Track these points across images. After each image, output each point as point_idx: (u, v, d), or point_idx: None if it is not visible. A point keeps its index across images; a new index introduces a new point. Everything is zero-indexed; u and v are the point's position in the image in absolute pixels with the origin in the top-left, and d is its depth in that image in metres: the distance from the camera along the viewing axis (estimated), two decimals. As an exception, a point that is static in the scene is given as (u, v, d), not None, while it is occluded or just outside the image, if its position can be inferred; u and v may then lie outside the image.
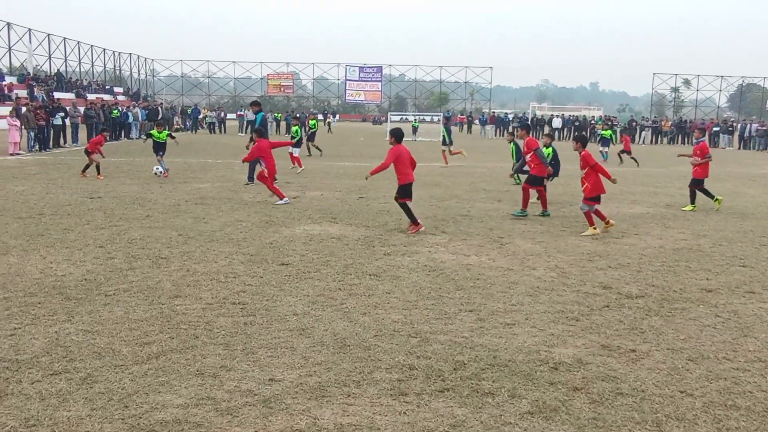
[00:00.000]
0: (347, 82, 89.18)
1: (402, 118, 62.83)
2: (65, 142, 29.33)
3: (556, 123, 48.59)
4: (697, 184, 13.99)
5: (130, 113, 38.16)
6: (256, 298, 6.86)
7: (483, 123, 54.93)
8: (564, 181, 16.74)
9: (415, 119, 50.86)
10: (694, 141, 15.87)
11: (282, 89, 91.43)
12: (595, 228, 10.86)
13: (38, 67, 61.34)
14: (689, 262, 8.97)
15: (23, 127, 24.87)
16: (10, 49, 58.28)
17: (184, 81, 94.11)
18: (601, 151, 27.43)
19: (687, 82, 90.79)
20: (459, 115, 71.18)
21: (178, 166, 20.98)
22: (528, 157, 12.86)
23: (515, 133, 21.47)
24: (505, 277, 7.96)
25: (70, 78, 61.77)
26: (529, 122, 24.20)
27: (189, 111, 51.55)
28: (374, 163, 14.97)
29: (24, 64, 60.05)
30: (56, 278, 7.44)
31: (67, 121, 29.76)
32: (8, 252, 8.66)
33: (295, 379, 4.86)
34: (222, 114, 50.74)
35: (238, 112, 53.47)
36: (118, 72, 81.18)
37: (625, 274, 8.22)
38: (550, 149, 14.34)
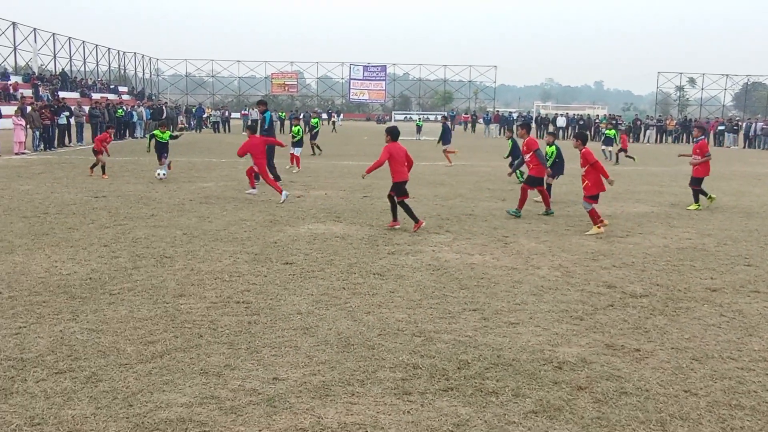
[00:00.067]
0: (351, 81, 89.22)
1: (406, 117, 62.81)
2: (70, 142, 29.39)
3: (561, 122, 48.48)
4: (697, 183, 13.98)
5: (134, 112, 38.22)
6: (260, 297, 6.87)
7: (487, 122, 54.85)
8: (568, 180, 16.71)
9: (419, 118, 50.85)
10: (693, 140, 15.87)
11: (286, 88, 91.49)
12: (599, 227, 10.84)
13: (43, 67, 61.56)
14: (694, 262, 8.95)
15: (28, 126, 24.94)
16: (15, 48, 58.45)
17: (189, 80, 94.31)
18: (603, 150, 27.42)
19: (692, 81, 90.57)
20: (463, 114, 71.15)
21: (183, 165, 21.02)
22: (527, 157, 12.81)
23: (515, 131, 21.41)
24: (509, 276, 7.96)
25: (75, 77, 61.96)
26: (529, 121, 23.98)
27: (193, 110, 51.61)
28: (378, 162, 14.95)
29: (29, 63, 60.25)
30: (61, 277, 7.46)
31: (72, 121, 29.82)
32: (13, 251, 8.69)
33: (299, 378, 4.87)
34: (226, 113, 50.80)
35: (242, 111, 53.59)
36: (122, 71, 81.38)
37: (630, 274, 8.21)
38: (554, 148, 14.30)
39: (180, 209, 12.40)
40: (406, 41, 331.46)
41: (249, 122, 46.80)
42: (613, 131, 28.46)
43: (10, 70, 56.08)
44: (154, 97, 71.12)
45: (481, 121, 59.00)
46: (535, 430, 4.20)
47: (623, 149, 26.48)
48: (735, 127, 46.80)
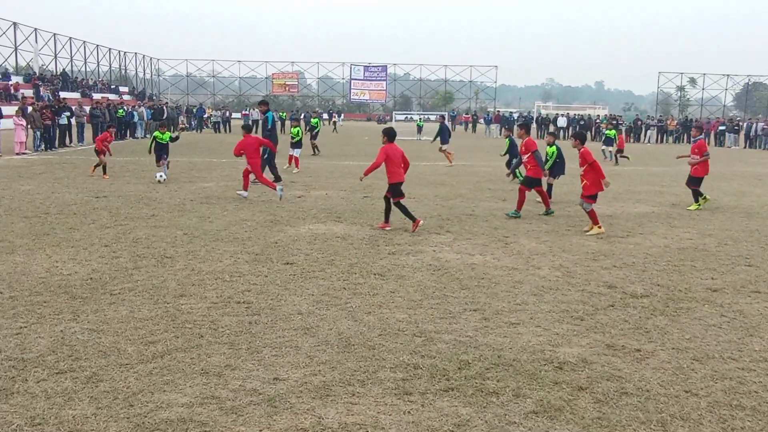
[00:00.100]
0: (352, 81, 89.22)
1: (407, 117, 62.82)
2: (71, 142, 29.41)
3: (561, 122, 48.45)
4: (696, 183, 13.98)
5: (135, 113, 38.23)
6: (260, 297, 6.87)
7: (488, 122, 54.87)
8: (569, 180, 16.69)
9: (420, 118, 50.86)
10: (692, 139, 15.91)
11: (287, 88, 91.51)
12: (600, 227, 10.84)
13: (44, 67, 61.59)
14: (694, 262, 8.95)
15: (29, 126, 24.96)
16: (16, 48, 58.46)
17: (189, 80, 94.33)
18: (603, 150, 27.44)
19: (693, 81, 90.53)
20: (464, 114, 71.13)
21: (183, 165, 21.03)
22: (525, 158, 12.79)
23: (514, 131, 21.40)
24: (510, 276, 7.96)
25: (76, 77, 62.01)
26: (528, 122, 23.95)
27: (194, 110, 51.64)
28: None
29: (30, 63, 60.28)
30: (62, 277, 7.47)
31: (73, 121, 29.85)
32: (14, 251, 8.69)
33: (299, 378, 4.87)
34: (227, 113, 50.82)
35: (243, 112, 53.61)
36: (123, 71, 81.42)
37: (630, 274, 8.21)
38: (555, 148, 14.29)
39: (181, 209, 12.40)
40: (406, 41, 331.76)
41: (247, 122, 47.01)
42: (613, 131, 28.48)
43: (11, 70, 56.11)
44: (154, 98, 71.16)
45: (481, 121, 59.02)
46: (536, 430, 4.20)
47: (620, 149, 26.51)
48: (736, 128, 46.78)
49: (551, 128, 41.84)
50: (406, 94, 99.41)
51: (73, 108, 30.45)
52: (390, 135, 10.76)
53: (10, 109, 28.46)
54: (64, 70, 62.05)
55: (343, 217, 11.83)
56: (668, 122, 51.47)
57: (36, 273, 7.62)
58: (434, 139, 24.80)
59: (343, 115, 73.74)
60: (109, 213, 11.81)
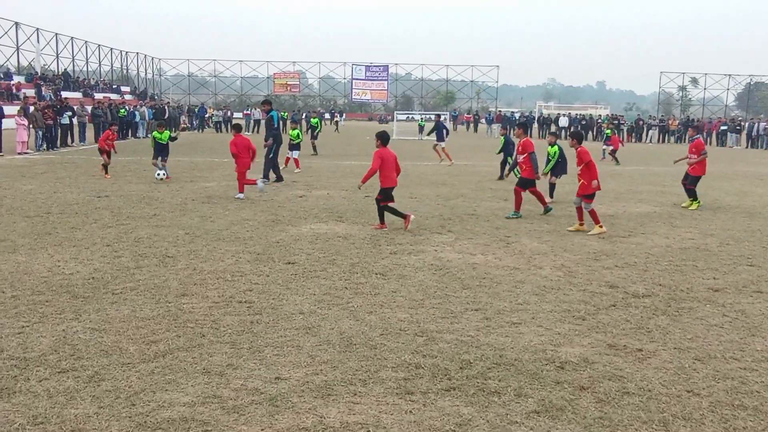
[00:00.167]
0: (353, 81, 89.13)
1: (408, 117, 62.80)
2: (73, 141, 29.44)
3: (563, 122, 48.43)
4: (693, 182, 13.98)
5: (137, 112, 38.26)
6: (262, 296, 6.88)
7: (489, 122, 54.84)
8: (571, 180, 16.65)
9: (421, 118, 50.84)
10: (689, 139, 15.95)
11: (288, 88, 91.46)
12: (601, 227, 10.83)
13: (46, 67, 61.58)
14: (696, 262, 8.94)
15: (31, 126, 24.97)
16: (18, 48, 58.47)
17: (191, 80, 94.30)
18: (604, 150, 27.43)
19: (694, 81, 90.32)
20: (466, 114, 71.09)
21: (185, 165, 21.05)
22: (521, 158, 12.77)
23: (510, 129, 21.37)
24: (512, 276, 7.96)
25: (78, 77, 62.02)
26: (526, 122, 23.95)
27: (196, 110, 51.68)
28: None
29: (32, 63, 60.28)
30: (64, 277, 7.47)
31: (75, 121, 29.87)
32: (16, 250, 8.70)
33: (301, 378, 4.87)
34: (228, 113, 50.82)
35: (245, 111, 53.55)
36: (125, 71, 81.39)
37: (632, 274, 8.20)
38: (556, 147, 14.28)
39: (182, 209, 12.41)
40: (406, 41, 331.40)
41: (248, 121, 46.94)
42: (609, 131, 28.45)
43: (12, 70, 56.14)
44: (156, 97, 71.18)
45: (483, 121, 58.98)
46: (538, 430, 4.19)
47: (614, 149, 26.48)
48: (738, 127, 46.72)
49: (553, 128, 41.83)
50: (408, 93, 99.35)
51: (75, 108, 30.46)
52: (384, 139, 10.77)
53: (12, 109, 28.49)
54: (65, 69, 62.05)
55: (344, 217, 11.83)
56: (670, 122, 51.42)
57: (38, 272, 7.63)
58: (429, 133, 24.93)
59: (344, 114, 73.63)
60: (111, 212, 11.83)
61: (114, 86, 65.70)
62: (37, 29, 60.42)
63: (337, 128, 53.08)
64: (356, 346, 5.54)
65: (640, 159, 28.60)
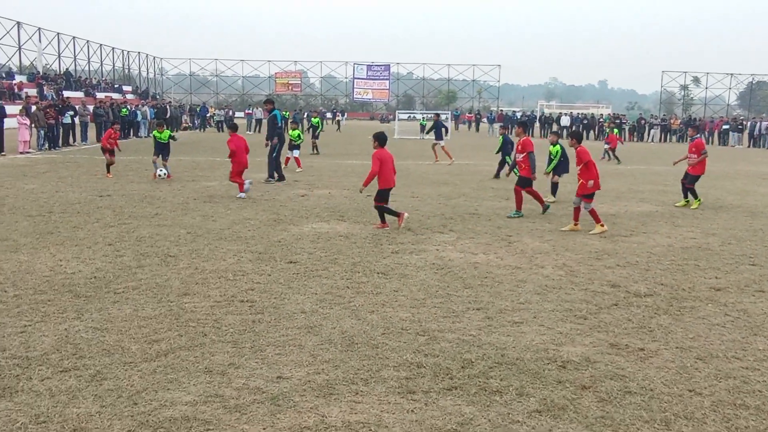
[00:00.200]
0: (355, 81, 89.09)
1: (410, 117, 62.77)
2: (74, 141, 29.47)
3: (565, 121, 48.40)
4: (692, 181, 13.97)
5: (138, 112, 38.30)
6: (264, 296, 6.88)
7: (491, 121, 54.82)
8: (573, 179, 16.63)
9: (423, 117, 50.82)
10: (689, 139, 15.96)
11: (290, 87, 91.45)
12: (603, 225, 10.82)
13: (48, 66, 61.61)
14: (698, 261, 8.93)
15: (33, 125, 24.99)
16: (20, 48, 58.55)
17: (193, 79, 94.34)
18: (605, 149, 27.40)
19: (696, 80, 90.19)
20: (467, 113, 71.06)
21: (187, 164, 21.06)
22: (520, 157, 12.76)
23: (510, 128, 21.37)
24: (513, 275, 7.95)
25: (80, 77, 62.04)
26: (526, 121, 23.91)
27: (197, 109, 51.70)
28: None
29: (34, 62, 60.33)
30: (66, 276, 7.48)
31: (77, 120, 29.90)
32: (18, 250, 8.72)
33: (303, 377, 4.87)
34: (230, 112, 50.85)
35: (246, 111, 53.58)
36: (126, 71, 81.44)
37: (634, 273, 8.20)
38: (558, 147, 14.27)
39: (184, 208, 12.42)
40: (407, 41, 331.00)
41: (250, 121, 46.86)
42: (615, 130, 28.42)
43: (14, 69, 56.20)
44: (158, 97, 71.24)
45: (484, 120, 58.96)
46: (540, 429, 4.19)
47: (612, 148, 26.47)
48: (740, 127, 46.67)
49: (554, 127, 41.81)
50: (410, 93, 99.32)
51: (77, 107, 30.48)
52: (381, 140, 10.77)
53: (14, 108, 28.53)
54: (67, 69, 62.13)
55: (346, 216, 11.84)
56: (672, 121, 51.37)
57: (40, 272, 7.64)
58: (427, 132, 24.95)
59: (346, 114, 73.61)
60: (113, 212, 11.84)
61: (116, 86, 65.77)
62: (39, 29, 60.47)
63: (338, 127, 53.12)
64: (358, 345, 5.54)
65: (641, 158, 28.59)
